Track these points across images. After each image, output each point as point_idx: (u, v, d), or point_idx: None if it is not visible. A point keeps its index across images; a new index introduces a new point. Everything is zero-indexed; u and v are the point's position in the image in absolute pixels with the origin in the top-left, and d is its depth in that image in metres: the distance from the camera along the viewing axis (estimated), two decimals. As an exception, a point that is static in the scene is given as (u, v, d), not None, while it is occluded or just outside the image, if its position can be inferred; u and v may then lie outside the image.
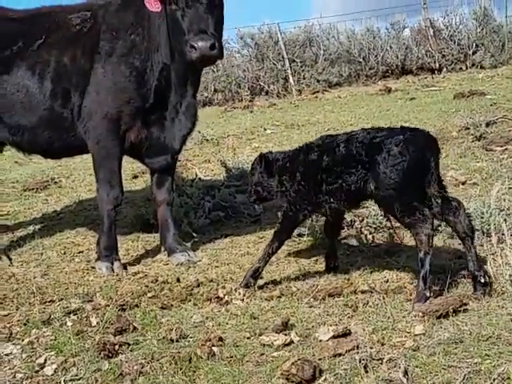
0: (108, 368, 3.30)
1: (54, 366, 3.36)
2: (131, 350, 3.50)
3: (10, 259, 5.46)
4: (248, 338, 3.54)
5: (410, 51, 17.74)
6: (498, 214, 4.61)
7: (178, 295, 4.24)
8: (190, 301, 4.17)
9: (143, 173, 7.84)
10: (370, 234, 5.13)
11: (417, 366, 3.03)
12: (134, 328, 3.76)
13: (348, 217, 5.15)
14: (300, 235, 5.20)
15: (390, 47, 17.84)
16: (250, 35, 18.72)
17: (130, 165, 7.79)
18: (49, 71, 5.12)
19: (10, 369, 3.39)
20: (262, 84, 17.63)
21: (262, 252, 4.31)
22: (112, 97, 4.98)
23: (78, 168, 9.00)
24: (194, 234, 5.65)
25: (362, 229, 5.21)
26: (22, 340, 3.74)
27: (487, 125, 7.99)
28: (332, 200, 4.05)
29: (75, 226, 6.34)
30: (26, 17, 5.43)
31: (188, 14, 4.67)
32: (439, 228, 4.81)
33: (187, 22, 4.67)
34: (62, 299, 4.33)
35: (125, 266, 5.08)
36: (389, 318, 3.60)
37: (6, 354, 3.56)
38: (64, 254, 5.55)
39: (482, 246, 4.41)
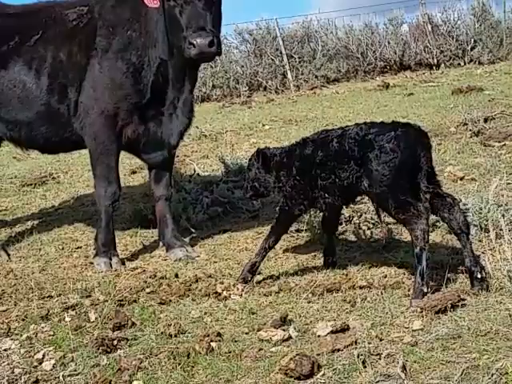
0: (106, 363, 3.31)
1: (53, 362, 3.37)
2: (130, 346, 3.51)
3: (9, 255, 5.46)
4: (246, 334, 3.55)
5: (408, 47, 17.75)
6: (496, 210, 4.61)
7: (176, 290, 4.24)
8: (188, 296, 4.17)
9: (141, 168, 7.82)
10: (369, 229, 5.13)
11: (415, 362, 3.03)
12: (133, 323, 3.76)
13: (346, 212, 5.15)
14: (298, 231, 5.21)
15: (388, 43, 17.84)
16: (248, 31, 18.72)
17: (128, 160, 7.79)
18: (45, 67, 5.11)
19: (8, 364, 3.39)
20: (260, 80, 17.61)
21: (259, 247, 4.32)
22: (109, 93, 4.97)
23: (76, 163, 8.99)
24: (193, 230, 5.65)
25: (360, 224, 5.20)
26: (21, 335, 3.74)
27: (485, 120, 7.99)
28: (327, 195, 4.06)
29: (73, 221, 6.33)
30: (22, 12, 5.43)
31: (186, 11, 4.66)
32: (437, 224, 4.81)
33: (185, 19, 4.66)
34: (60, 295, 4.34)
35: (123, 262, 5.08)
36: (387, 313, 3.61)
37: (5, 350, 3.56)
38: (62, 249, 5.56)
39: (480, 241, 4.42)
